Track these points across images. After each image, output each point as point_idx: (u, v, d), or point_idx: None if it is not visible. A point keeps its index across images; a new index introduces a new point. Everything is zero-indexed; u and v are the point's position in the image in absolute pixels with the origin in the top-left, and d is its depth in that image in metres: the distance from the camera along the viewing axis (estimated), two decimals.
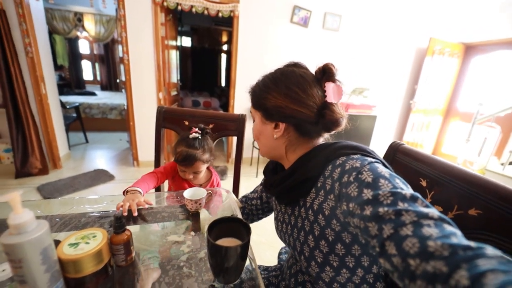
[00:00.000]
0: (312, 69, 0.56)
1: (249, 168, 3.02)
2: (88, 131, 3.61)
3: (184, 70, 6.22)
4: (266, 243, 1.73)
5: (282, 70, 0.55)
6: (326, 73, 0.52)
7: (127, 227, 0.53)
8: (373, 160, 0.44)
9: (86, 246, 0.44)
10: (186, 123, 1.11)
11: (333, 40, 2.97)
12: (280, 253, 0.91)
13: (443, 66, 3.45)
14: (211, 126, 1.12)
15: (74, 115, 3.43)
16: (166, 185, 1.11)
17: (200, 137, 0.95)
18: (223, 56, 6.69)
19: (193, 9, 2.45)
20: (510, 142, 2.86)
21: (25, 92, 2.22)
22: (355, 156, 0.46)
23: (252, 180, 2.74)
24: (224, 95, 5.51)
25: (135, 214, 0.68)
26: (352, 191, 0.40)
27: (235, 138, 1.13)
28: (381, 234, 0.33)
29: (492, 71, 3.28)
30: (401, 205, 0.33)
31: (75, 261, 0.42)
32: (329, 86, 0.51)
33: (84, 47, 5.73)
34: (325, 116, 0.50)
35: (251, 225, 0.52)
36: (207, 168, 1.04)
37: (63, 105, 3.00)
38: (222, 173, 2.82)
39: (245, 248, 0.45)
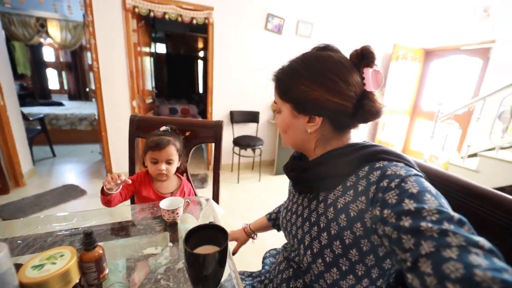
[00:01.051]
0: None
1: (230, 174, 3.00)
2: (55, 144, 3.36)
3: (160, 77, 6.07)
4: (252, 250, 1.72)
5: (316, 55, 0.49)
6: (365, 58, 0.47)
7: (100, 243, 0.50)
8: (419, 173, 0.41)
9: (53, 266, 0.42)
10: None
11: (306, 46, 3.00)
12: (264, 257, 0.89)
13: (407, 69, 3.74)
14: (188, 133, 1.10)
15: (39, 127, 3.18)
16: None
17: (169, 130, 0.99)
18: (200, 63, 6.63)
19: (167, 16, 2.42)
20: (468, 137, 3.15)
21: None
22: (400, 164, 0.42)
23: (233, 186, 2.72)
24: (202, 102, 5.45)
25: (119, 180, 0.75)
26: (390, 197, 0.38)
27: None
28: (417, 250, 0.31)
29: (449, 73, 3.61)
30: (447, 226, 0.31)
31: (39, 284, 0.39)
32: (368, 72, 0.46)
33: (49, 55, 5.36)
34: (364, 107, 0.46)
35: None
36: (177, 174, 1.02)
37: (25, 117, 2.77)
38: (203, 181, 2.78)
39: (223, 254, 0.45)
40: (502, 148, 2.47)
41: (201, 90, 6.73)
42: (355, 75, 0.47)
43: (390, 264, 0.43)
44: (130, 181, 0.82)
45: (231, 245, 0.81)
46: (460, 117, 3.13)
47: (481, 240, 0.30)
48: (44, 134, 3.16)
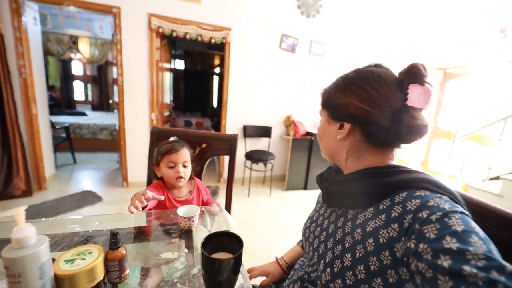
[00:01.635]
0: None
1: (241, 188, 3.02)
2: (76, 151, 3.54)
3: (177, 91, 6.34)
4: (259, 263, 1.69)
5: (358, 69, 0.51)
6: (410, 74, 0.46)
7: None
8: (466, 212, 0.37)
9: (82, 262, 0.45)
10: None
11: (318, 64, 3.17)
12: None
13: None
14: (204, 145, 1.15)
15: (64, 135, 3.39)
16: None
17: (177, 139, 1.05)
18: (215, 78, 6.90)
19: (187, 36, 2.59)
20: (489, 159, 3.02)
21: (15, 112, 2.21)
22: (444, 198, 0.39)
23: (244, 200, 2.73)
24: (216, 115, 5.60)
25: (135, 209, 0.70)
26: (429, 231, 0.34)
27: (227, 158, 1.17)
28: None
29: (466, 93, 3.55)
30: (497, 276, 0.28)
31: (71, 277, 0.43)
32: (414, 89, 0.45)
33: (77, 68, 5.79)
34: (401, 121, 0.45)
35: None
36: (190, 176, 1.05)
37: (52, 125, 2.97)
38: (214, 193, 2.80)
39: (237, 261, 0.47)
40: None
41: (215, 104, 6.93)
42: (393, 87, 0.46)
43: None
44: (162, 197, 0.82)
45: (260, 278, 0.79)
46: (480, 138, 3.03)
47: None
48: (68, 142, 3.35)
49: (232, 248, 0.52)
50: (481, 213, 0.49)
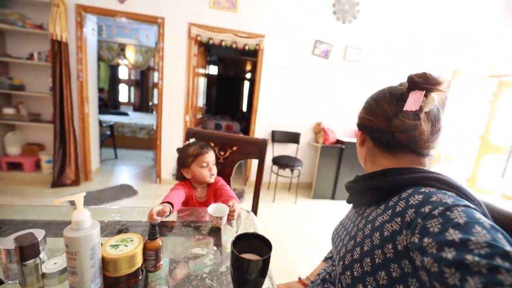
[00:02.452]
0: None
1: (266, 192, 3.02)
2: (118, 148, 3.88)
3: (209, 95, 6.63)
4: (281, 271, 1.67)
5: (387, 87, 0.58)
6: (411, 83, 0.50)
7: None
8: (471, 205, 0.37)
9: (125, 248, 0.50)
10: (212, 144, 1.20)
11: (353, 70, 3.07)
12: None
13: (473, 98, 3.36)
14: (234, 148, 1.19)
15: (108, 132, 3.74)
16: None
17: (196, 140, 1.09)
18: (246, 83, 7.06)
19: (223, 43, 2.71)
20: None
21: (71, 110, 2.51)
22: (449, 193, 0.39)
23: (269, 205, 2.72)
24: (245, 120, 5.71)
25: (151, 219, 0.70)
26: (432, 225, 0.35)
27: (254, 162, 1.19)
28: (462, 286, 0.29)
29: None
30: (500, 262, 0.28)
31: (115, 261, 0.47)
32: (412, 94, 0.49)
33: (123, 73, 6.39)
34: (391, 123, 0.49)
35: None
36: None
37: (100, 123, 3.31)
38: (239, 196, 2.84)
39: (265, 263, 0.48)
40: None
41: (244, 109, 7.08)
42: (390, 98, 0.52)
43: None
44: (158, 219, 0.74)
45: None
46: None
47: None
48: (112, 139, 3.70)
49: (260, 251, 0.52)
50: None
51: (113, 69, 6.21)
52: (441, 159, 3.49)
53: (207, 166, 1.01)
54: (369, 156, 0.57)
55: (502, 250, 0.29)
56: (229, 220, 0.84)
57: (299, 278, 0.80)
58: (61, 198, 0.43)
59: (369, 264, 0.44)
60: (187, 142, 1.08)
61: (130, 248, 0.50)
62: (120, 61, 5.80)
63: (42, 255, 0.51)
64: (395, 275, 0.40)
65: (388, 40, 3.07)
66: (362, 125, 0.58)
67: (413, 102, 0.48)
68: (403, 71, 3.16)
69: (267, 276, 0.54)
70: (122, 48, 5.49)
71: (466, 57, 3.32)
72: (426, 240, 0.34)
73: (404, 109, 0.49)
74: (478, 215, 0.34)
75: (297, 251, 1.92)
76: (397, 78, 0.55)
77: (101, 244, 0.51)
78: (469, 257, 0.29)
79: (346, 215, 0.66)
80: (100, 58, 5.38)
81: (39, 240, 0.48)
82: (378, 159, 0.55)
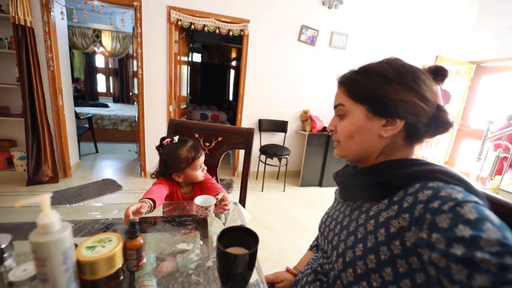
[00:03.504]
0: None
1: (254, 182, 3.02)
2: (98, 141, 3.71)
3: (194, 84, 6.42)
4: (271, 260, 1.70)
5: (400, 62, 0.50)
6: (438, 74, 0.49)
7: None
8: (480, 202, 0.36)
9: (102, 249, 0.46)
10: (196, 135, 1.16)
11: (340, 57, 3.06)
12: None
13: (451, 83, 3.47)
14: (220, 138, 1.15)
15: (87, 125, 3.55)
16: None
17: (179, 138, 0.97)
18: (232, 72, 6.90)
19: (206, 28, 2.58)
20: None
21: (44, 103, 2.34)
22: (458, 188, 0.38)
23: (257, 194, 2.73)
24: (232, 109, 5.62)
25: (127, 219, 0.64)
26: (441, 221, 0.34)
27: (241, 152, 1.16)
28: (469, 283, 0.28)
29: (503, 89, 3.28)
30: (510, 261, 0.28)
31: (92, 263, 0.44)
32: (438, 88, 0.48)
33: (99, 61, 6.02)
34: (440, 117, 0.47)
35: None
36: None
37: (77, 116, 3.12)
38: (228, 186, 2.83)
39: (252, 256, 0.47)
40: None
41: (231, 98, 6.95)
42: (435, 85, 0.48)
43: None
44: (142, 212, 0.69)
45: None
46: None
47: None
48: (91, 132, 3.52)
49: (247, 244, 0.51)
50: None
51: (89, 57, 5.82)
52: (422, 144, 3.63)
53: (201, 167, 0.97)
54: (389, 148, 0.49)
55: None
56: (224, 211, 0.81)
57: (287, 268, 0.79)
58: (23, 200, 0.38)
59: (374, 261, 0.42)
60: (171, 141, 0.95)
61: (108, 249, 0.47)
62: (96, 48, 5.44)
63: (9, 262, 0.47)
64: (402, 270, 0.39)
65: (373, 26, 3.06)
66: (408, 112, 0.45)
67: (443, 97, 0.48)
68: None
69: (255, 269, 0.53)
70: (97, 34, 5.13)
71: (447, 43, 3.40)
72: (434, 235, 0.34)
73: (442, 104, 0.48)
74: (488, 212, 0.34)
75: (287, 239, 1.95)
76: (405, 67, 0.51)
77: (76, 246, 0.47)
78: (479, 254, 0.29)
79: (332, 206, 0.64)
80: (73, 46, 5.02)
81: (3, 246, 0.44)
82: (398, 151, 0.50)
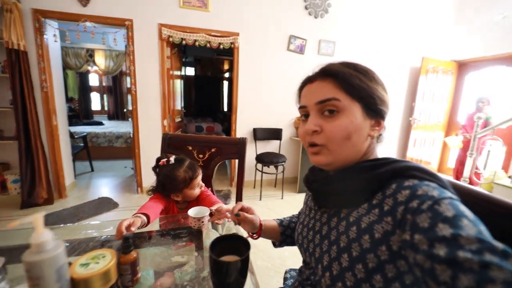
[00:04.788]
0: None
1: (252, 191, 3.01)
2: (94, 159, 3.69)
3: (188, 97, 6.48)
4: (272, 269, 1.68)
5: (357, 63, 0.51)
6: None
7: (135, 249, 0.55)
8: (454, 196, 0.37)
9: (96, 265, 0.47)
10: (190, 148, 1.17)
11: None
12: (285, 278, 0.86)
13: (438, 83, 3.57)
14: (213, 150, 1.17)
15: (82, 144, 3.55)
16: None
17: (176, 157, 0.98)
18: (225, 83, 7.00)
19: (197, 43, 2.65)
20: None
21: (38, 124, 2.34)
22: (432, 184, 0.39)
23: (256, 203, 2.72)
24: (227, 120, 5.66)
25: (119, 234, 0.63)
26: (422, 221, 0.34)
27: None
28: (454, 284, 0.28)
29: (488, 85, 3.38)
30: (490, 258, 0.28)
31: (86, 280, 0.45)
32: None
33: (93, 80, 6.07)
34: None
35: (267, 249, 0.52)
36: None
37: (71, 135, 3.12)
38: (226, 197, 2.82)
39: (245, 263, 0.47)
40: None
41: (225, 109, 7.02)
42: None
43: None
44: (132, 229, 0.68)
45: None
46: (503, 132, 2.87)
47: None
48: (86, 151, 3.51)
49: (240, 251, 0.52)
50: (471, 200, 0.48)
51: (83, 76, 5.87)
52: (415, 144, 3.68)
53: (199, 185, 0.98)
54: (369, 149, 0.49)
55: (489, 244, 0.29)
56: (222, 221, 0.81)
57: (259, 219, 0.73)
58: (16, 221, 0.39)
59: (362, 270, 0.40)
60: (167, 162, 0.94)
61: (101, 265, 0.47)
62: (89, 68, 5.49)
63: (2, 285, 0.47)
64: (391, 275, 0.38)
65: (359, 32, 3.17)
66: (385, 112, 0.48)
67: None
68: (376, 61, 3.28)
69: (249, 275, 0.53)
70: (90, 54, 5.20)
71: (432, 44, 3.52)
72: (417, 236, 0.34)
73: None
74: (462, 206, 0.35)
75: (288, 246, 1.93)
76: (372, 68, 0.52)
77: (70, 264, 0.48)
78: (461, 253, 0.29)
79: (305, 215, 0.60)
80: (67, 66, 5.07)
81: None
82: (373, 152, 0.50)
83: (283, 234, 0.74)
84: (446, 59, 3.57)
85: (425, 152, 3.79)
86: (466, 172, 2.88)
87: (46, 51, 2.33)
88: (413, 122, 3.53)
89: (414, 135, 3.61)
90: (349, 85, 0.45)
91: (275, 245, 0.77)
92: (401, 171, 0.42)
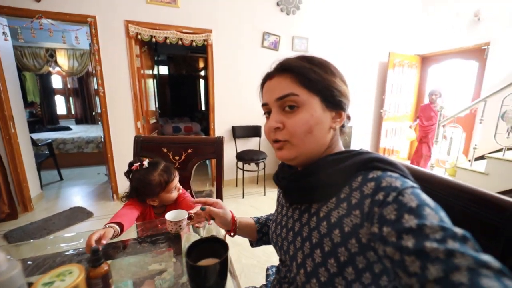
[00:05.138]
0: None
1: (234, 190, 3.00)
2: (62, 167, 3.43)
3: (163, 97, 6.25)
4: (257, 266, 1.69)
5: (313, 55, 0.50)
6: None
7: (108, 261, 0.52)
8: (415, 185, 0.39)
9: (62, 283, 0.43)
10: (165, 150, 1.13)
11: None
12: (267, 275, 0.85)
13: (405, 76, 3.80)
14: (190, 150, 1.14)
15: (47, 152, 3.27)
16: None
17: (149, 161, 0.95)
18: (201, 81, 6.84)
19: (168, 40, 2.55)
20: (473, 140, 3.12)
21: None
22: (394, 175, 0.40)
23: (239, 201, 2.71)
24: (205, 119, 5.55)
25: (89, 248, 0.60)
26: (389, 213, 0.35)
27: None
28: (423, 274, 0.29)
29: (447, 77, 3.66)
30: (452, 245, 0.29)
31: None
32: None
33: (56, 82, 5.61)
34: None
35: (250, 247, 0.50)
36: None
37: (34, 143, 2.86)
38: (208, 197, 2.77)
39: (224, 265, 0.47)
40: (509, 149, 2.44)
41: (203, 108, 6.88)
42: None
43: (387, 281, 0.41)
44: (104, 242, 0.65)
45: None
46: (463, 120, 3.13)
47: (490, 260, 0.28)
48: (52, 159, 3.24)
49: (219, 253, 0.51)
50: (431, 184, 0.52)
51: (44, 78, 5.38)
52: (387, 134, 3.89)
53: (176, 187, 0.94)
54: (332, 141, 0.49)
55: (451, 231, 0.31)
56: (201, 225, 0.78)
57: (232, 215, 0.71)
58: None
59: (335, 265, 0.41)
60: (141, 166, 0.91)
61: (67, 283, 0.44)
62: (51, 69, 5.05)
63: None
64: (361, 266, 0.40)
65: (330, 29, 3.25)
66: (345, 103, 0.48)
67: None
68: (348, 57, 3.40)
69: (229, 277, 0.53)
70: (50, 53, 4.78)
71: (397, 39, 3.73)
72: (385, 229, 0.35)
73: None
74: (424, 195, 0.36)
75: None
76: (344, 64, 0.54)
77: (31, 285, 0.44)
78: (427, 244, 0.30)
79: (278, 212, 0.60)
80: (23, 68, 4.62)
81: None
82: (337, 145, 0.51)
83: (260, 231, 0.73)
84: (411, 53, 3.80)
85: (395, 142, 4.03)
86: (433, 160, 3.11)
87: None
88: (384, 114, 3.72)
89: (385, 126, 3.81)
90: (306, 79, 0.45)
91: (252, 244, 0.76)
92: (364, 163, 0.43)
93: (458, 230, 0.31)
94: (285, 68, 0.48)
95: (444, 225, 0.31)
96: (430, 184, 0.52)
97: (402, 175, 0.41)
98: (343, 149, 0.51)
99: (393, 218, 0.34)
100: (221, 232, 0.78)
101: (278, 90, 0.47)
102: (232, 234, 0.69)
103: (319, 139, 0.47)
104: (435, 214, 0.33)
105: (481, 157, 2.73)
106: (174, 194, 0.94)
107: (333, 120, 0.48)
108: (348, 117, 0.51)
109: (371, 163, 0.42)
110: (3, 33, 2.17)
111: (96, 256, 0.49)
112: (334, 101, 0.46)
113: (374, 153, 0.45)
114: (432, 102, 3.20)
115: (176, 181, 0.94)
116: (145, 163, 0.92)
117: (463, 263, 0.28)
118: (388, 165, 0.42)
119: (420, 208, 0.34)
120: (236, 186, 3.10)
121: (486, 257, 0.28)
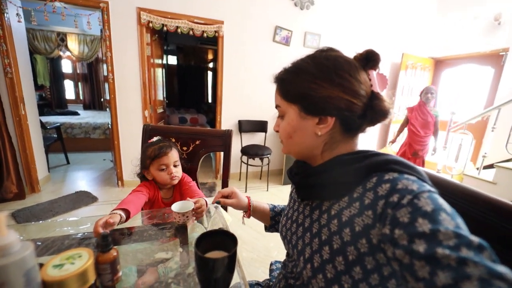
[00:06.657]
0: None
1: (237, 184, 3.01)
2: (69, 151, 3.48)
3: (171, 87, 6.25)
4: (258, 260, 1.70)
5: (324, 55, 0.49)
6: (370, 60, 0.48)
7: (115, 246, 0.52)
8: (432, 189, 0.37)
9: (72, 266, 0.44)
10: (173, 140, 1.13)
11: None
12: (271, 270, 0.86)
13: (417, 78, 3.72)
14: (197, 142, 1.13)
15: (55, 135, 3.32)
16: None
17: (161, 138, 1.02)
18: (209, 74, 6.81)
19: (179, 30, 2.53)
20: (483, 148, 3.06)
21: (3, 113, 2.15)
22: (411, 178, 0.39)
23: None
24: (211, 111, 5.55)
25: (97, 233, 0.60)
26: (402, 215, 0.34)
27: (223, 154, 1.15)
28: (432, 280, 0.29)
29: (461, 82, 3.57)
30: (466, 253, 0.28)
31: (60, 283, 0.41)
32: (373, 74, 0.47)
33: (66, 67, 5.65)
34: (374, 107, 0.46)
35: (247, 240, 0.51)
36: None
37: (43, 125, 2.91)
38: (211, 189, 2.79)
39: (232, 259, 0.46)
40: None
41: (210, 100, 6.87)
42: (364, 74, 0.47)
43: (395, 284, 0.40)
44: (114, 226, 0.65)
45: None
46: (474, 127, 3.06)
47: (506, 272, 0.26)
48: (60, 142, 3.29)
49: (227, 246, 0.51)
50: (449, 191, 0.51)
51: (54, 62, 5.42)
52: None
53: (167, 169, 0.94)
54: (330, 143, 0.49)
55: (467, 239, 0.29)
56: (197, 219, 0.80)
57: (248, 198, 0.81)
58: None
59: (342, 262, 0.41)
60: (151, 141, 1.00)
61: (77, 266, 0.44)
62: (61, 53, 5.09)
63: None
64: (370, 267, 0.39)
65: (344, 26, 3.19)
66: (337, 108, 0.45)
67: (379, 82, 0.47)
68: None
69: (236, 271, 0.53)
70: (61, 38, 4.80)
71: (411, 41, 3.64)
72: (397, 231, 0.34)
73: (375, 90, 0.47)
74: (441, 200, 0.35)
75: (272, 237, 1.96)
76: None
77: (42, 265, 0.44)
78: (439, 250, 0.29)
79: (289, 207, 0.61)
80: (35, 51, 4.66)
81: None
82: (339, 145, 0.49)
83: (273, 219, 0.79)
84: (425, 56, 3.71)
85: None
86: (440, 165, 3.07)
87: (9, 32, 2.11)
88: (393, 116, 3.67)
89: (394, 128, 3.76)
90: (284, 90, 0.50)
91: (266, 228, 0.82)
92: (380, 165, 0.42)
93: (475, 239, 0.30)
94: (275, 81, 0.53)
95: (460, 232, 0.30)
96: (446, 191, 0.50)
97: (420, 178, 0.40)
98: (359, 149, 0.50)
99: (406, 221, 0.34)
100: (226, 224, 0.79)
101: (275, 100, 0.54)
102: (247, 216, 0.79)
103: (302, 143, 0.50)
104: (451, 220, 0.32)
105: (490, 166, 2.68)
106: (163, 175, 0.94)
107: (317, 125, 0.47)
108: (348, 118, 0.47)
109: (388, 165, 0.42)
110: (17, 14, 2.18)
111: (106, 242, 0.49)
112: (312, 108, 0.47)
113: (392, 155, 0.44)
114: (426, 102, 2.69)
115: (165, 160, 0.94)
116: (155, 138, 1.00)
117: (475, 273, 0.26)
118: (406, 168, 0.41)
119: (436, 212, 0.33)
120: (239, 180, 3.11)
121: (502, 269, 0.27)
